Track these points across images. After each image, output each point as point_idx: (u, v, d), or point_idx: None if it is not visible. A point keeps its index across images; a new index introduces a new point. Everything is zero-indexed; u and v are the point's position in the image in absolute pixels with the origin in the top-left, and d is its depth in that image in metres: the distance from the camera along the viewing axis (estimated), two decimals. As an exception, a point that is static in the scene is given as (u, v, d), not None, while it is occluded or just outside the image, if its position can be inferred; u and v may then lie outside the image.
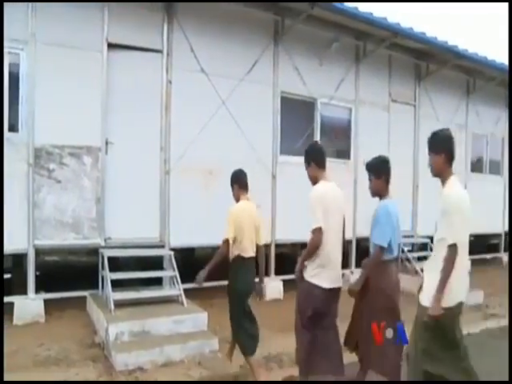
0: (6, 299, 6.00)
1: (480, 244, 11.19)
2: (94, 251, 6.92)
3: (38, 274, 6.23)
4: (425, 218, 9.94)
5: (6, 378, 4.50)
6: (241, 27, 7.53)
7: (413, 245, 9.93)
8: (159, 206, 6.88)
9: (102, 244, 6.50)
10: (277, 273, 7.82)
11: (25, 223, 6.02)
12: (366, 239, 9.99)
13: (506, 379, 4.39)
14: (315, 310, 4.03)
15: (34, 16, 5.99)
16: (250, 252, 4.64)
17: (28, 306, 6.03)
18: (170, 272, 6.55)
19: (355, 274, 8.94)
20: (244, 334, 4.66)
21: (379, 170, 4.30)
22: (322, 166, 4.20)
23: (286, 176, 7.84)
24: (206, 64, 7.18)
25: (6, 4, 5.73)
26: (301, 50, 8.26)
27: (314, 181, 4.21)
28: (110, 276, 5.97)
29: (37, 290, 6.17)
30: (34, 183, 6.06)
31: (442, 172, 3.55)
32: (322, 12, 7.66)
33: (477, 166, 11.77)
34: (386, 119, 9.69)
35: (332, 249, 4.09)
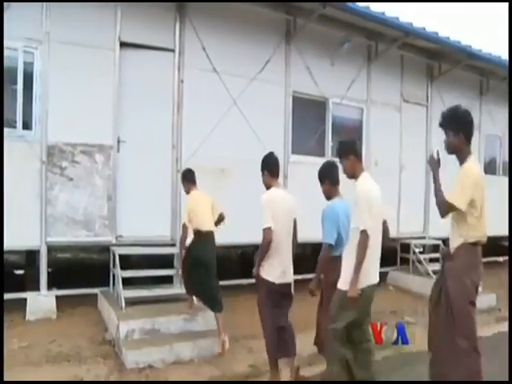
0: (19, 295, 6.09)
1: (493, 246, 11.08)
2: (105, 249, 6.96)
3: (50, 270, 6.28)
4: (437, 219, 9.81)
5: (19, 373, 4.58)
6: (253, 26, 7.53)
7: (424, 246, 9.85)
8: (170, 204, 6.90)
9: (114, 242, 6.54)
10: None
11: (37, 220, 6.08)
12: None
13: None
14: (273, 304, 4.34)
15: (48, 16, 6.06)
16: None
17: (40, 302, 6.09)
18: (180, 270, 6.55)
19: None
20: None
21: (321, 175, 4.70)
22: (274, 175, 4.57)
23: (297, 176, 7.82)
24: (218, 63, 7.19)
25: (20, 4, 5.81)
26: (312, 49, 8.24)
27: (268, 187, 4.55)
28: (121, 274, 5.99)
29: (49, 287, 6.23)
30: (46, 181, 6.11)
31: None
32: (333, 11, 7.63)
33: (490, 168, 11.65)
34: (398, 120, 9.62)
35: (282, 248, 4.38)
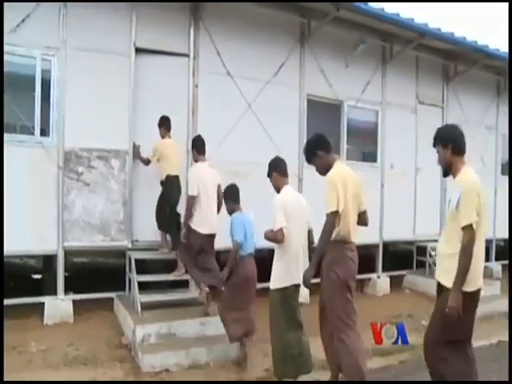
0: (37, 299, 6.14)
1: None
2: (121, 253, 7.01)
3: (66, 275, 6.33)
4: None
5: (38, 376, 4.63)
6: (267, 30, 7.53)
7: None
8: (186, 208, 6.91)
9: (129, 246, 6.57)
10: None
11: (55, 225, 6.13)
12: (393, 243, 9.92)
13: None
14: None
15: (64, 23, 6.12)
16: None
17: (58, 306, 6.13)
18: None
19: (382, 278, 8.86)
20: None
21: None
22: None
23: (312, 179, 7.76)
24: (232, 67, 7.21)
25: (39, 13, 5.91)
26: (327, 52, 8.22)
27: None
28: (136, 278, 6.02)
29: (66, 291, 6.27)
30: (63, 186, 6.17)
31: None
32: (347, 13, 7.61)
33: (507, 169, 11.48)
34: (413, 121, 9.54)
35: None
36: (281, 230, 4.27)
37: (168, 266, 6.59)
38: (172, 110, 6.76)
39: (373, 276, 8.87)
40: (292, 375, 4.40)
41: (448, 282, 3.40)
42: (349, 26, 8.06)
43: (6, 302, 5.95)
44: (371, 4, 7.56)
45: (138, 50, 6.61)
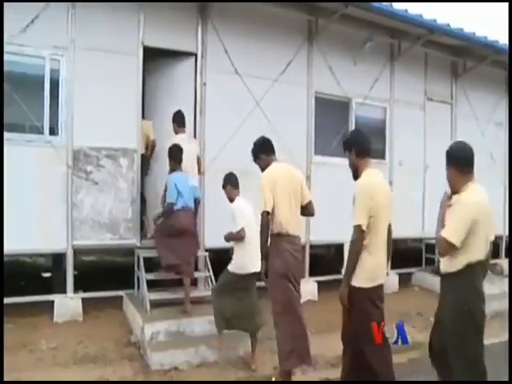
0: (47, 297, 6.19)
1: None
2: (129, 251, 7.03)
3: (75, 273, 6.36)
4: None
5: (48, 373, 4.66)
6: (274, 28, 7.51)
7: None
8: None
9: (138, 244, 6.60)
10: (311, 274, 7.76)
11: (64, 224, 6.17)
12: (404, 241, 9.87)
13: None
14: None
15: (73, 23, 6.14)
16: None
17: (67, 304, 6.17)
18: (204, 273, 6.60)
19: (390, 276, 8.82)
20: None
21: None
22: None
23: (320, 176, 7.78)
24: (240, 65, 7.19)
25: (48, 14, 5.93)
26: (335, 49, 8.18)
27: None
28: (145, 276, 6.05)
29: (75, 290, 6.30)
30: (72, 185, 6.20)
31: None
32: (356, 11, 7.56)
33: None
34: (422, 118, 9.48)
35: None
36: (242, 229, 4.92)
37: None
38: (179, 109, 6.77)
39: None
40: (221, 328, 5.19)
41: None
42: (357, 23, 8.01)
43: (17, 300, 6.03)
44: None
45: (146, 49, 6.62)
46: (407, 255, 9.76)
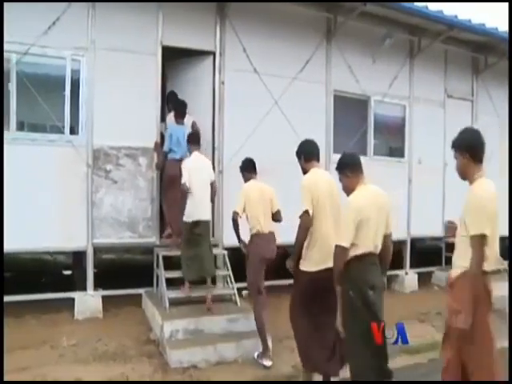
0: (68, 295, 6.28)
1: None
2: (148, 250, 7.09)
3: (95, 271, 6.43)
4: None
5: (69, 370, 4.73)
6: (293, 26, 7.48)
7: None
8: (216, 206, 6.95)
9: (157, 243, 6.65)
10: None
11: (84, 222, 6.24)
12: (423, 239, 9.75)
13: None
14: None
15: (93, 24, 6.21)
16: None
17: (87, 301, 6.25)
18: (223, 271, 6.61)
19: (410, 275, 8.76)
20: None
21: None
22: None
23: (340, 175, 7.71)
24: (259, 64, 7.19)
25: (69, 14, 6.02)
26: (353, 47, 8.12)
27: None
28: (164, 274, 6.08)
29: (95, 287, 6.38)
30: (92, 184, 6.27)
31: None
32: (374, 8, 7.50)
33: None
34: (442, 116, 9.35)
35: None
36: (184, 184, 5.74)
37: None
38: (198, 108, 6.83)
39: (400, 273, 8.76)
40: (189, 277, 5.96)
41: None
42: (376, 20, 7.94)
43: (39, 296, 6.15)
44: None
45: (165, 48, 6.65)
46: (427, 254, 9.66)
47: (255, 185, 5.47)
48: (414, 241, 9.05)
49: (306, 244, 4.17)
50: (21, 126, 6.02)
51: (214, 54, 6.98)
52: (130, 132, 6.40)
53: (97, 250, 6.58)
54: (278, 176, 6.43)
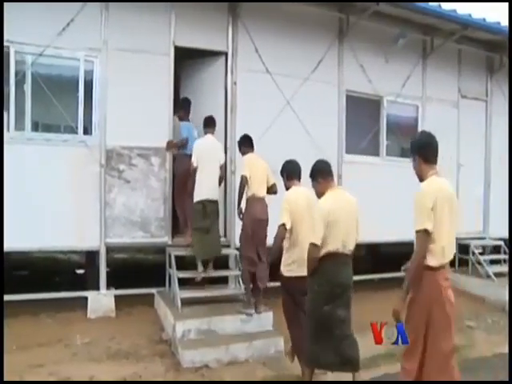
0: (81, 293, 6.32)
1: None
2: (160, 249, 7.12)
3: (108, 270, 6.48)
4: (497, 218, 9.48)
5: (83, 368, 4.77)
6: (305, 26, 7.47)
7: (484, 247, 9.45)
8: (225, 205, 6.98)
9: (170, 243, 6.67)
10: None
11: (97, 222, 6.28)
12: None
13: None
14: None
15: (106, 25, 6.26)
16: None
17: (100, 300, 6.28)
18: (235, 271, 6.62)
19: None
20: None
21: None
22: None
23: (352, 175, 7.70)
24: (271, 64, 7.19)
25: (83, 16, 6.08)
26: (366, 47, 8.10)
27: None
28: (177, 274, 6.10)
29: (107, 286, 6.42)
30: (105, 184, 6.31)
31: None
32: (387, 7, 7.46)
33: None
34: (455, 116, 9.28)
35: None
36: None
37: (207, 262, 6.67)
38: (211, 108, 6.83)
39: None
40: (200, 257, 6.20)
41: None
42: (388, 20, 7.90)
43: (53, 295, 6.20)
44: None
45: (177, 49, 6.68)
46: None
47: (255, 156, 6.00)
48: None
49: (286, 251, 4.66)
50: (35, 127, 6.09)
51: (226, 54, 7.00)
52: (142, 132, 6.44)
53: (109, 249, 6.62)
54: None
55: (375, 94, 8.27)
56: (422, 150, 3.64)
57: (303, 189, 4.78)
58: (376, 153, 8.16)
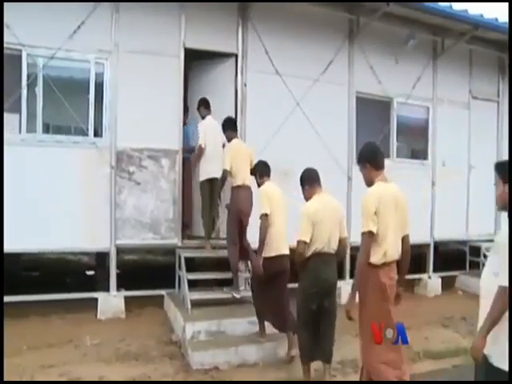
0: (91, 295, 6.35)
1: None
2: (170, 251, 7.13)
3: (118, 271, 6.50)
4: (509, 221, 9.36)
5: (93, 369, 4.78)
6: (315, 27, 7.46)
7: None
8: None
9: (179, 244, 6.68)
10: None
11: (107, 223, 6.31)
12: (445, 243, 9.61)
13: None
14: None
15: (117, 28, 6.30)
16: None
17: (110, 302, 6.31)
18: (244, 273, 6.61)
19: (433, 279, 8.64)
20: None
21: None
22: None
23: (361, 177, 7.63)
24: (281, 65, 7.18)
25: (93, 18, 6.11)
26: (376, 48, 8.06)
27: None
28: (186, 276, 6.10)
29: (117, 288, 6.43)
30: (115, 185, 6.34)
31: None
32: (397, 8, 7.42)
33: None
34: (467, 117, 9.20)
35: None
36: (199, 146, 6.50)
37: (216, 264, 6.67)
38: (221, 110, 6.83)
39: (423, 276, 8.66)
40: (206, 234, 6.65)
41: None
42: (398, 21, 7.86)
43: (63, 296, 6.24)
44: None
45: (187, 50, 6.70)
46: (450, 258, 9.53)
47: (238, 143, 6.25)
48: (437, 244, 8.92)
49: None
50: (46, 129, 6.13)
51: (236, 55, 7.01)
52: (152, 134, 6.46)
53: (119, 250, 6.63)
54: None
55: (385, 95, 8.23)
56: (371, 159, 3.98)
57: (275, 185, 5.43)
58: (386, 154, 8.10)
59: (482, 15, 8.00)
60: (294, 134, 7.16)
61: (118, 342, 5.51)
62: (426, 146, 8.82)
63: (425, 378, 4.65)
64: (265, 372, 4.96)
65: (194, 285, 6.25)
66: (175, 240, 6.66)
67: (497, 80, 9.62)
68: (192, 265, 6.57)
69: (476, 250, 9.07)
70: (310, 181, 4.71)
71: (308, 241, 4.38)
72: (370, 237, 3.71)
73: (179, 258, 6.39)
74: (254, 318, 5.53)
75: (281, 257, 5.14)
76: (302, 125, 7.26)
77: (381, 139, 8.14)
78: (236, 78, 7.02)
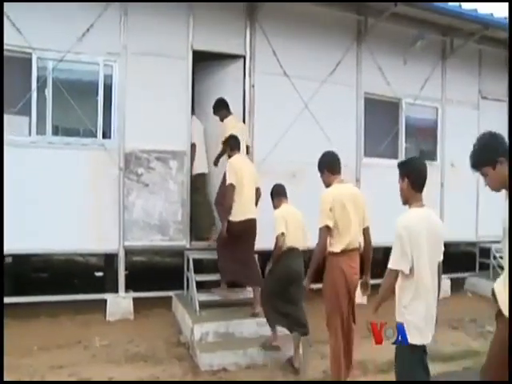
0: (100, 296, 6.37)
1: None
2: (178, 253, 7.14)
3: (126, 273, 6.52)
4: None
5: (102, 370, 4.81)
6: (323, 28, 7.44)
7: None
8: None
9: (188, 246, 6.68)
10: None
11: (116, 225, 6.32)
12: (456, 244, 9.54)
13: None
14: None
15: (125, 30, 6.31)
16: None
17: (119, 303, 6.32)
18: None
19: (442, 281, 8.56)
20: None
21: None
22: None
23: (370, 178, 7.64)
24: (289, 67, 7.18)
25: (102, 21, 6.15)
26: (384, 49, 8.02)
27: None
28: (195, 277, 6.11)
29: (126, 289, 6.44)
30: (124, 187, 6.35)
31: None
32: (405, 9, 7.39)
33: None
34: (476, 118, 9.13)
35: None
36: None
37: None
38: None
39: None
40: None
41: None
42: (407, 21, 7.82)
43: (72, 297, 6.28)
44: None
45: (195, 52, 6.71)
46: (459, 259, 9.46)
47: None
48: (446, 246, 8.82)
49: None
50: (56, 131, 6.16)
51: (243, 57, 7.01)
52: (160, 136, 6.47)
53: (128, 252, 6.64)
54: (308, 179, 6.40)
55: (394, 96, 8.19)
56: (329, 165, 4.53)
57: (247, 159, 6.13)
58: (395, 156, 8.07)
59: (491, 14, 7.94)
60: (301, 135, 7.14)
61: (126, 344, 5.53)
62: (435, 146, 8.78)
63: (435, 380, 4.60)
64: (273, 373, 4.96)
65: (202, 286, 6.26)
66: (183, 242, 6.66)
67: (507, 80, 9.53)
68: (200, 266, 6.58)
69: (486, 252, 9.00)
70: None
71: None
72: (326, 231, 4.24)
73: (187, 259, 6.40)
74: (262, 320, 5.53)
75: (248, 220, 5.76)
76: (309, 126, 7.24)
77: (389, 140, 8.14)
78: (244, 79, 7.02)
